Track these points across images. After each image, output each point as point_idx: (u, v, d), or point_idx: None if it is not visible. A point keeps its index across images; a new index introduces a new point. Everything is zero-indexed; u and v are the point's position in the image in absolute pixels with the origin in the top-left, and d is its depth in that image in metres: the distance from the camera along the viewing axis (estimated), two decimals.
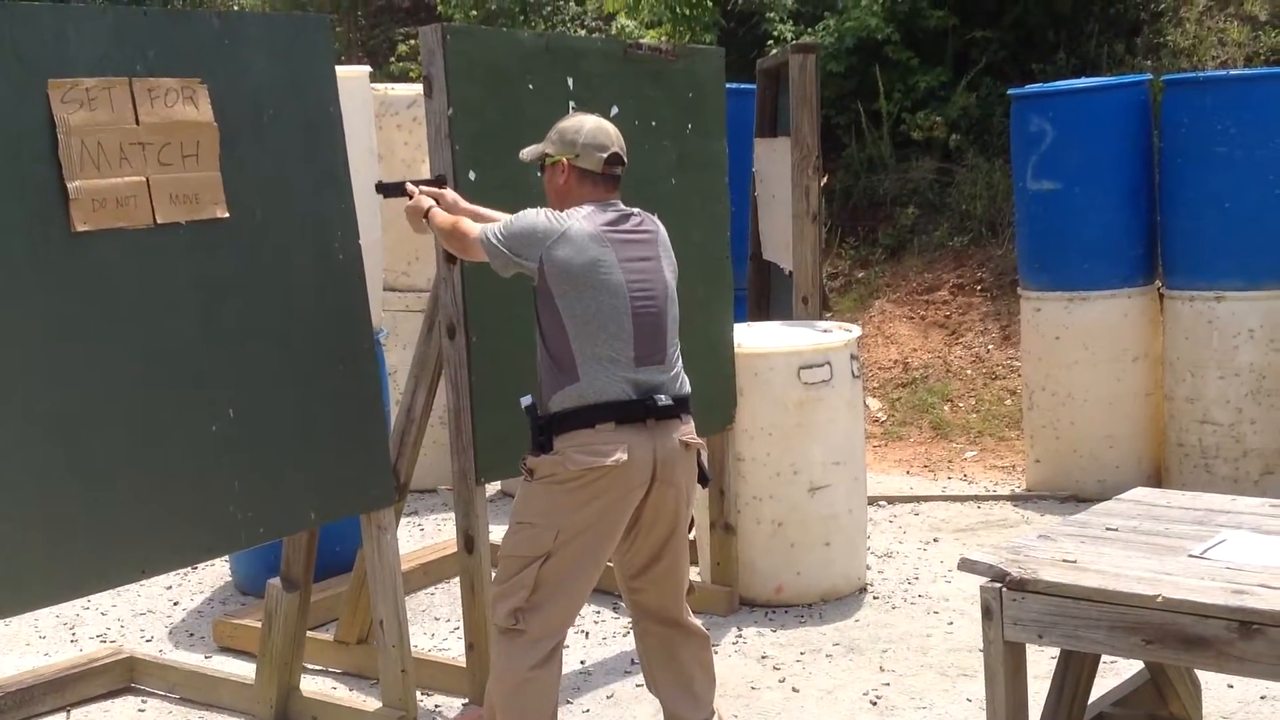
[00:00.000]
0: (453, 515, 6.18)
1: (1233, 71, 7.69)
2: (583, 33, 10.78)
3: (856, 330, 5.09)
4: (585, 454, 3.22)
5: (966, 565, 2.62)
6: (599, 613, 4.84)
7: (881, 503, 6.27)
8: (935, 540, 5.66)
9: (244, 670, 4.06)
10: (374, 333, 5.22)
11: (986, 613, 2.55)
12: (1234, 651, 2.28)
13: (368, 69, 5.10)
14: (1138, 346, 6.24)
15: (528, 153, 3.54)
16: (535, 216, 3.35)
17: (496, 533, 5.97)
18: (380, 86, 6.43)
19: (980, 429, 7.55)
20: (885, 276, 9.15)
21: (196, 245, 3.20)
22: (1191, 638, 2.32)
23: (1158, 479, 6.29)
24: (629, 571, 3.49)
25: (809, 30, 9.75)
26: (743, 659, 4.34)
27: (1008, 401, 7.69)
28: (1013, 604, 2.52)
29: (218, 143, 3.25)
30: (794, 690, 4.07)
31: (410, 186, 3.68)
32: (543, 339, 3.34)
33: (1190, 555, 2.58)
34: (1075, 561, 2.57)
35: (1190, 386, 6.02)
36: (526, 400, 3.35)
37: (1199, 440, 6.00)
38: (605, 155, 3.40)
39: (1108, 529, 2.81)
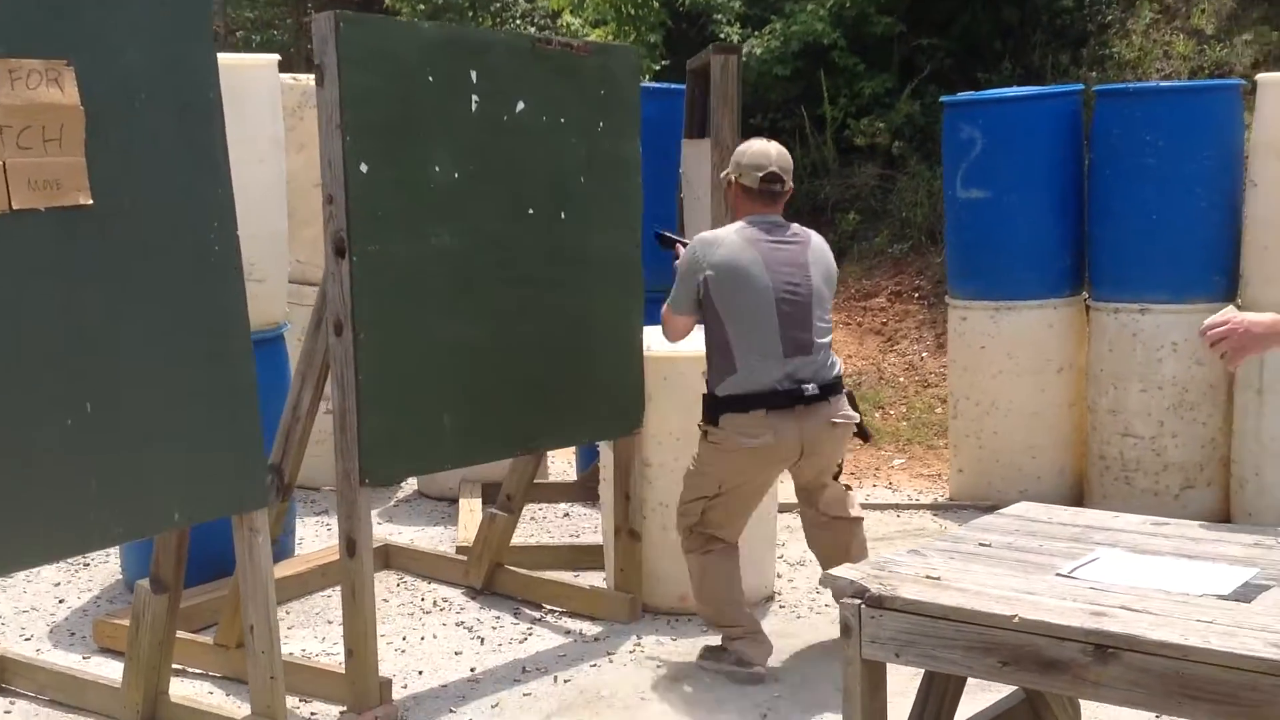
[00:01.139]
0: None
1: (1163, 84, 7.66)
2: (532, 30, 10.66)
3: None
4: (740, 435, 3.95)
5: (828, 581, 2.53)
6: (498, 618, 4.74)
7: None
8: None
9: (118, 673, 3.92)
10: (278, 326, 5.13)
11: (845, 630, 2.47)
12: (1089, 675, 2.20)
13: (276, 57, 4.98)
14: (1062, 357, 6.19)
15: (724, 175, 4.24)
16: (690, 249, 4.09)
17: (409, 533, 5.95)
18: (304, 77, 6.30)
19: (909, 437, 7.49)
20: None
21: (56, 233, 3.07)
22: (1047, 660, 2.24)
23: (1079, 491, 6.25)
24: (796, 485, 4.27)
25: (755, 33, 9.68)
26: (638, 668, 4.25)
27: (938, 410, 7.63)
28: (871, 621, 2.43)
29: (83, 127, 3.12)
30: (685, 701, 3.98)
31: (679, 248, 4.34)
32: (709, 334, 4.04)
33: (1057, 574, 2.51)
34: (939, 579, 2.49)
35: (1113, 399, 5.97)
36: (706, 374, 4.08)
37: (1120, 453, 5.96)
38: (761, 174, 4.02)
39: (980, 544, 2.73)
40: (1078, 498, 6.24)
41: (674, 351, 4.75)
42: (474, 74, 4.01)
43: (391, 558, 5.29)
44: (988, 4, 9.70)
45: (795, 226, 4.08)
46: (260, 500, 3.53)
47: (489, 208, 4.08)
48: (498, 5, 11.02)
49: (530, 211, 4.23)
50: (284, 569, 4.96)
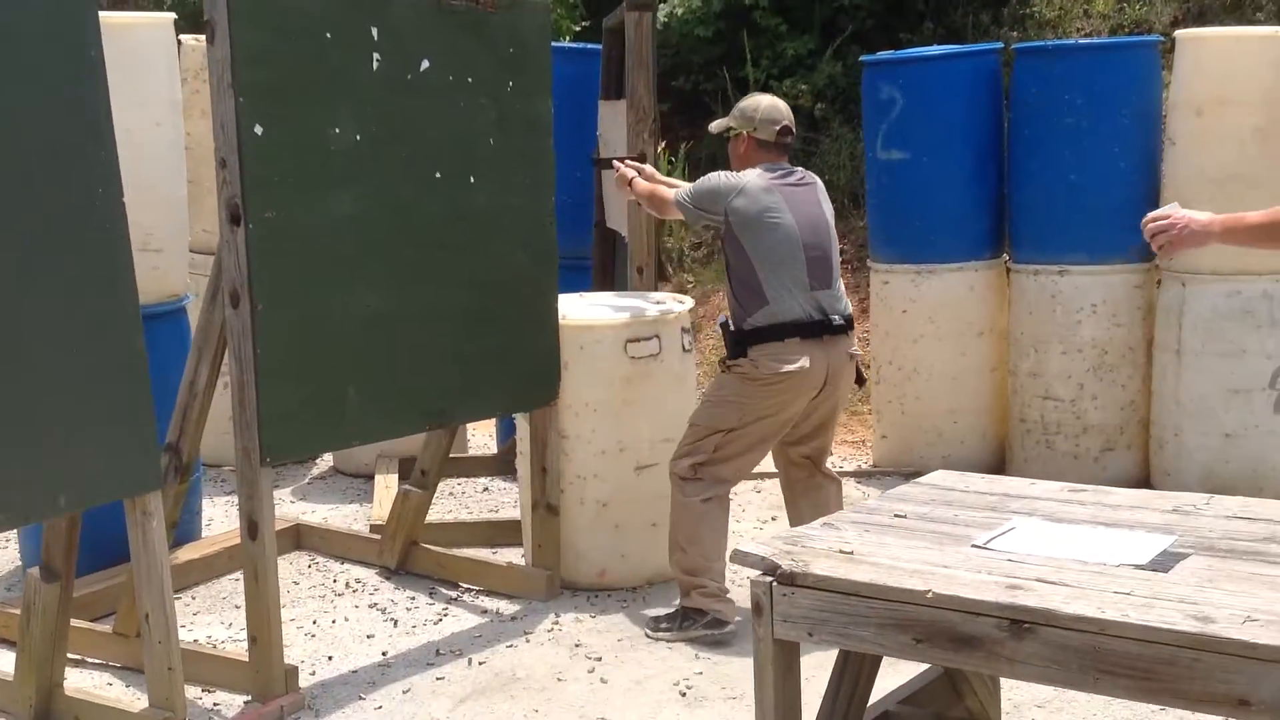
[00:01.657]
0: (280, 493, 5.94)
1: (1081, 41, 7.63)
2: None
3: (689, 302, 4.90)
4: (776, 361, 4.06)
5: (739, 558, 2.44)
6: (413, 599, 4.61)
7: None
8: (773, 519, 5.51)
9: (10, 665, 3.76)
10: (180, 298, 4.94)
11: (756, 609, 2.38)
12: (1004, 652, 2.13)
13: (171, 16, 4.77)
14: (983, 321, 6.15)
15: (716, 125, 4.40)
16: (716, 179, 4.21)
17: (323, 511, 5.80)
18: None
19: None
20: None
21: None
22: (961, 637, 2.16)
23: (1002, 455, 6.23)
24: (790, 440, 4.33)
25: None
26: (555, 647, 4.15)
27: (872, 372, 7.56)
28: (783, 599, 2.34)
29: None
30: (602, 681, 3.88)
31: (616, 163, 4.61)
32: (733, 273, 4.18)
33: (973, 545, 2.43)
34: (853, 553, 2.40)
35: (1033, 362, 5.94)
36: (721, 319, 4.23)
37: (1041, 416, 5.94)
38: (778, 128, 4.23)
39: (896, 516, 2.65)
40: (1000, 462, 6.22)
41: (590, 320, 4.64)
42: (375, 31, 3.85)
43: (303, 538, 5.14)
44: None
45: (801, 170, 4.32)
46: (154, 482, 3.38)
47: (393, 171, 3.93)
48: None
49: (437, 175, 4.08)
50: (189, 552, 4.81)
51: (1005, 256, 6.19)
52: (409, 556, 4.83)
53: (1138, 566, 2.28)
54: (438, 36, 4.03)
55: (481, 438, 6.88)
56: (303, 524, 5.20)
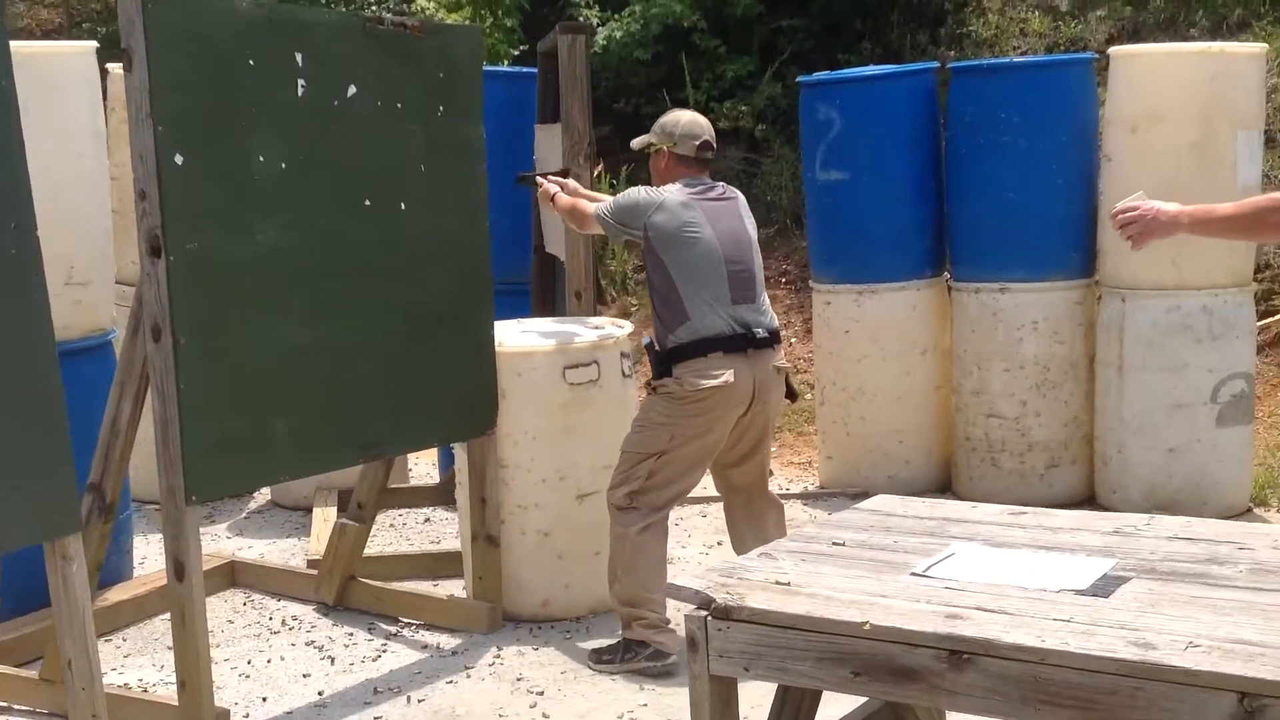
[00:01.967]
0: (216, 529, 5.81)
1: (1016, 59, 7.66)
2: (388, 15, 10.31)
3: (629, 326, 4.84)
4: (699, 377, 4.00)
5: (673, 591, 2.37)
6: (351, 635, 4.50)
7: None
8: (719, 544, 5.44)
9: None
10: (106, 332, 4.81)
11: (691, 644, 2.31)
12: (944, 684, 2.07)
13: (93, 44, 4.66)
14: (926, 339, 6.13)
15: (637, 142, 4.35)
16: (636, 193, 4.18)
17: (260, 546, 5.64)
18: None
19: (780, 424, 7.38)
20: None
21: None
22: (900, 669, 2.10)
23: (947, 474, 6.21)
24: (726, 462, 4.28)
25: (615, 15, 9.51)
26: (496, 682, 4.06)
27: (809, 395, 7.53)
28: (718, 634, 2.27)
29: None
30: (544, 716, 3.79)
31: (539, 179, 4.55)
32: (656, 290, 4.13)
33: (912, 573, 2.38)
34: (789, 584, 2.34)
35: (977, 380, 5.93)
36: (646, 340, 4.18)
37: (985, 434, 5.92)
38: (698, 143, 4.19)
39: (834, 544, 2.59)
40: (946, 481, 6.20)
41: (527, 347, 4.57)
42: (299, 56, 3.77)
43: (238, 575, 5.02)
44: None
45: (722, 185, 4.30)
46: (72, 525, 3.26)
47: (320, 199, 3.85)
48: None
49: (366, 202, 4.00)
50: (120, 592, 4.68)
51: (947, 275, 6.19)
52: (347, 591, 4.72)
53: (1078, 592, 2.23)
54: (364, 62, 3.96)
55: (425, 466, 6.78)
56: (237, 560, 5.08)
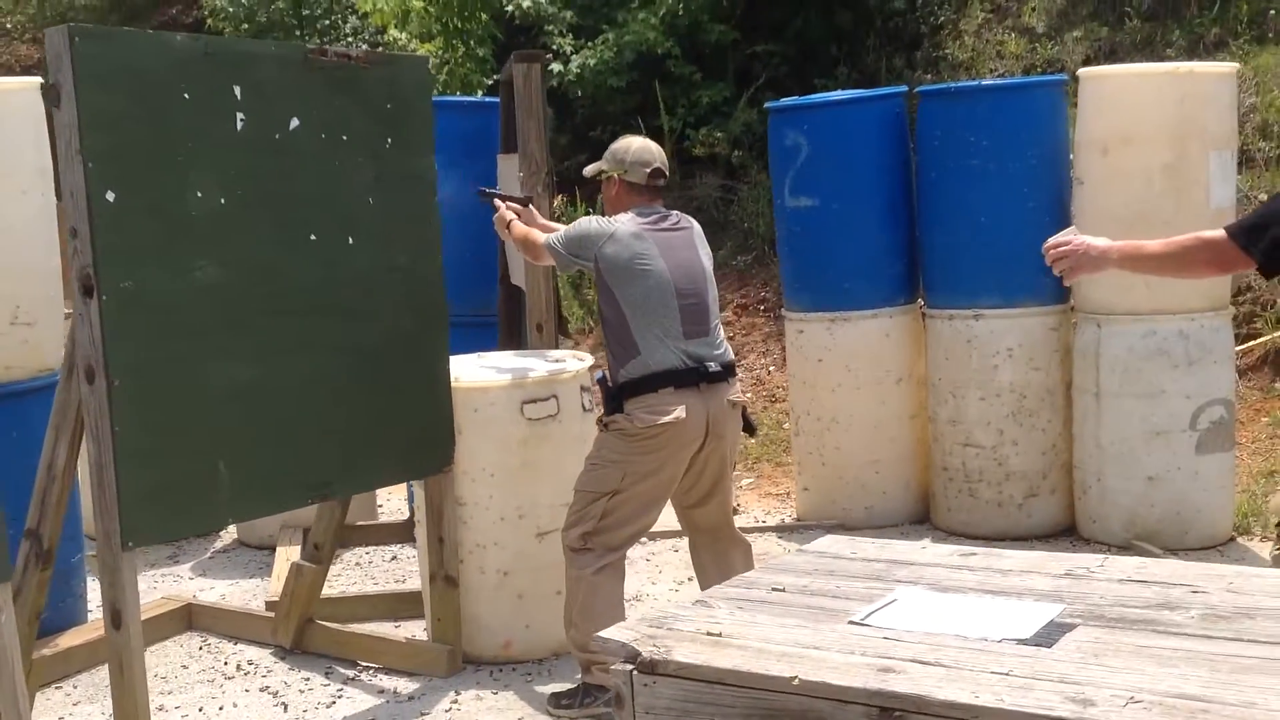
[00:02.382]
0: (179, 569, 5.70)
1: (985, 82, 7.59)
2: (331, 47, 10.26)
3: (589, 359, 4.74)
4: (650, 413, 3.87)
5: (600, 644, 2.26)
6: (307, 680, 4.38)
7: (642, 540, 5.93)
8: (690, 579, 5.32)
9: None
10: (54, 372, 4.70)
11: (618, 701, 2.19)
12: None
13: (37, 80, 4.57)
14: (901, 367, 6.03)
15: (589, 170, 4.23)
16: (588, 224, 4.08)
17: (222, 587, 5.43)
18: None
19: (758, 455, 7.29)
20: None
21: None
22: None
23: (925, 505, 6.10)
24: (687, 504, 4.17)
25: (589, 44, 9.45)
26: None
27: (786, 425, 7.44)
28: (644, 689, 2.15)
29: None
30: None
31: (498, 202, 4.43)
32: (607, 323, 4.00)
33: (850, 622, 2.26)
34: (720, 635, 2.23)
35: (952, 408, 5.83)
36: (599, 375, 4.07)
37: (963, 463, 5.82)
38: (649, 170, 4.07)
39: (774, 589, 2.48)
40: (924, 512, 6.09)
41: (483, 382, 4.47)
42: (238, 90, 3.68)
43: (195, 618, 4.90)
44: (821, 9, 9.61)
45: (676, 214, 4.15)
46: (2, 573, 3.15)
47: (262, 235, 3.75)
48: (325, 24, 10.63)
49: (312, 237, 3.91)
50: (72, 637, 4.58)
51: (920, 301, 6.09)
52: (305, 634, 4.61)
53: (1021, 641, 2.12)
54: (307, 94, 3.87)
55: (396, 502, 6.67)
56: (194, 604, 4.96)
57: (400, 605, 4.94)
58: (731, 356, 4.12)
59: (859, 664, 2.06)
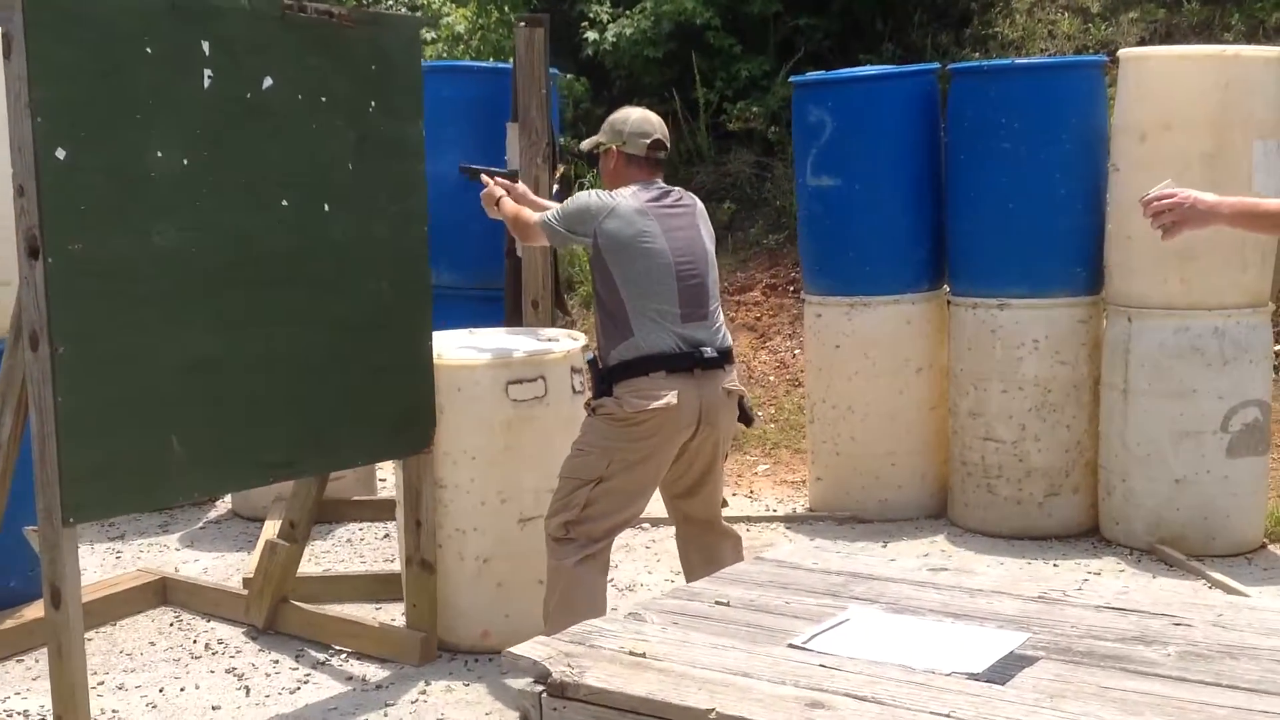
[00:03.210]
0: (167, 539, 5.57)
1: (1019, 60, 7.26)
2: (312, 4, 10.03)
3: (582, 339, 4.53)
4: (640, 398, 3.68)
5: (510, 660, 2.06)
6: (276, 663, 4.22)
7: (644, 524, 5.73)
8: None
9: None
10: None
11: None
12: None
13: None
14: (922, 356, 5.77)
15: (586, 143, 4.04)
16: (587, 198, 3.87)
17: (206, 560, 5.29)
18: None
19: (776, 440, 7.06)
20: None
21: None
22: None
23: (943, 499, 5.85)
24: (675, 492, 4.01)
25: (626, 12, 9.20)
26: None
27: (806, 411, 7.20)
28: (553, 714, 1.96)
29: None
30: None
31: (485, 177, 4.18)
32: (600, 302, 3.82)
33: (790, 644, 2.05)
34: (644, 655, 2.02)
35: (973, 400, 5.57)
36: (589, 356, 3.94)
37: (982, 458, 5.56)
38: (648, 142, 3.87)
39: (717, 603, 2.27)
40: (941, 506, 5.85)
41: (467, 360, 4.27)
42: (206, 45, 3.49)
43: (170, 592, 4.76)
44: None
45: (678, 190, 3.95)
46: None
47: (229, 199, 3.57)
48: None
49: (284, 203, 3.72)
50: (37, 609, 4.41)
51: (945, 288, 5.82)
52: (278, 615, 4.45)
53: (972, 676, 1.90)
54: (283, 52, 3.67)
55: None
56: (169, 577, 4.81)
57: (382, 587, 4.77)
58: (730, 343, 3.91)
59: (787, 696, 1.85)
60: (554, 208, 3.99)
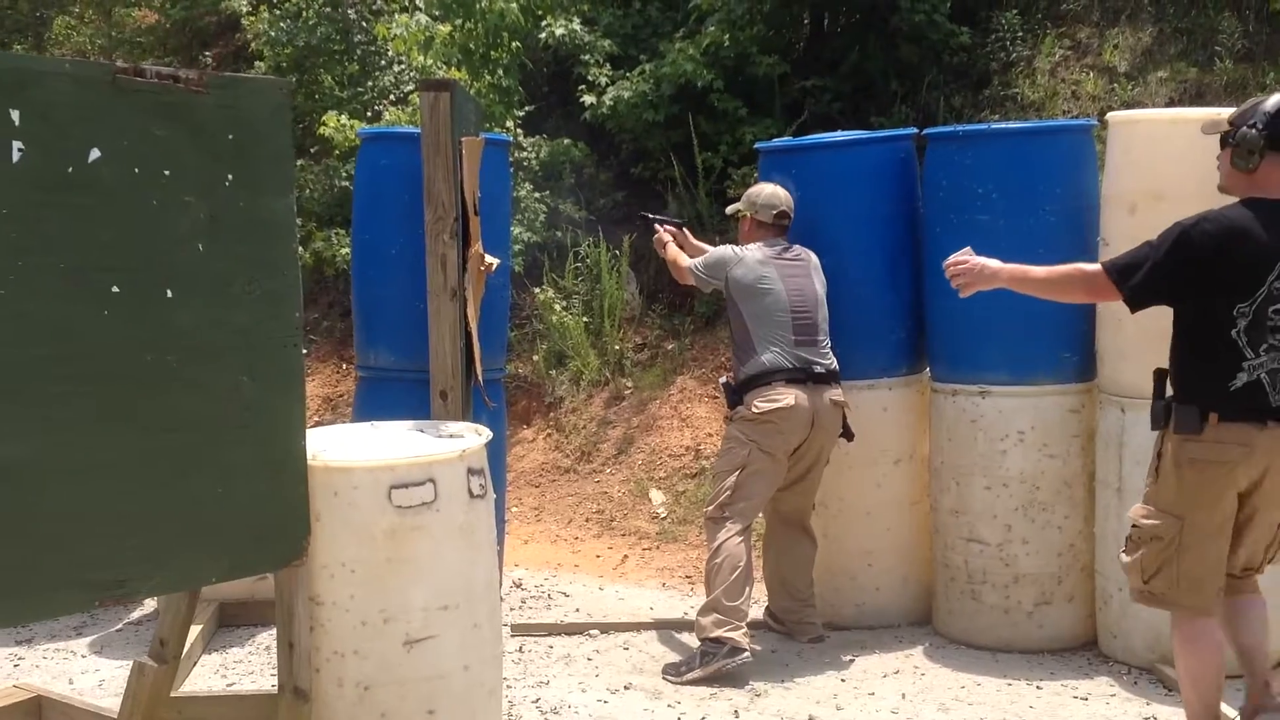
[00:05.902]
0: (77, 644, 5.15)
1: (996, 125, 6.74)
2: (151, 66, 9.74)
3: (486, 435, 4.05)
4: (765, 401, 4.77)
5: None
6: None
7: (592, 632, 5.24)
8: (627, 688, 4.63)
9: None
10: None
11: None
12: None
13: None
14: (900, 447, 5.26)
15: (730, 209, 5.27)
16: (723, 251, 5.01)
17: (108, 670, 4.72)
18: None
19: (762, 530, 6.51)
20: (694, 350, 8.15)
21: None
22: None
23: (926, 605, 5.29)
24: (779, 485, 4.91)
25: (626, 75, 8.81)
26: None
27: None
28: None
29: None
30: None
31: (657, 225, 5.41)
32: (732, 334, 5.00)
33: None
34: None
35: (955, 497, 5.04)
36: (722, 380, 5.04)
37: (965, 561, 5.02)
38: (775, 212, 5.00)
39: None
40: (925, 612, 5.30)
41: (345, 461, 3.82)
42: (15, 114, 3.09)
43: (44, 711, 4.32)
44: (883, 41, 8.83)
45: (798, 248, 4.98)
46: None
47: (39, 286, 3.14)
48: (372, 50, 10.15)
49: (114, 289, 3.29)
50: None
51: (927, 373, 5.30)
52: None
53: None
54: (114, 121, 3.25)
55: None
56: (44, 695, 4.38)
57: (271, 708, 4.29)
58: (836, 366, 4.85)
59: None
60: (700, 257, 5.07)
